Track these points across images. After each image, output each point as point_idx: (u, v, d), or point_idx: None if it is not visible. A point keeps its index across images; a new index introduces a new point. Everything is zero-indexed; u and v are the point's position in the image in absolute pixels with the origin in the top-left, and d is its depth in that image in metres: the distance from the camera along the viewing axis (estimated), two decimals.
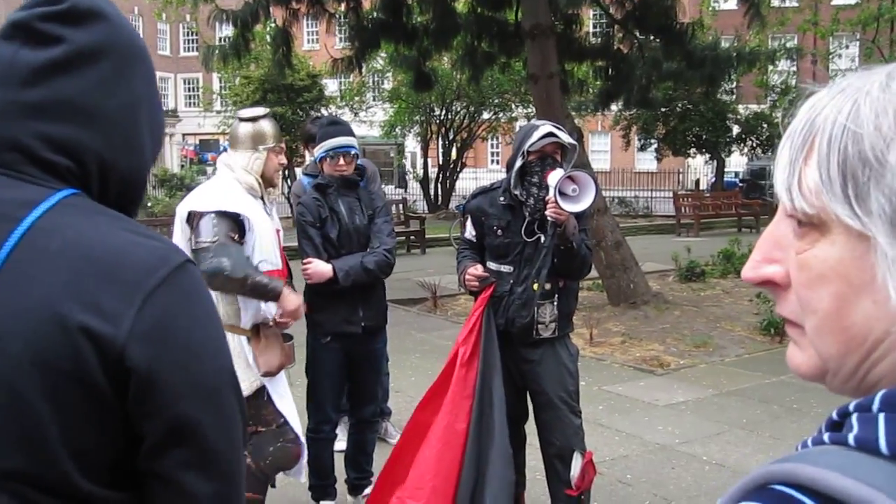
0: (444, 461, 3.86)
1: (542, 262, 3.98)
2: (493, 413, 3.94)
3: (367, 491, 4.61)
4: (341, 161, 4.36)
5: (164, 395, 1.09)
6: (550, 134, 3.95)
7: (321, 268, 4.23)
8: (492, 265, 4.16)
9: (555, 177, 3.81)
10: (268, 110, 4.10)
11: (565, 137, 4.00)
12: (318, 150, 4.40)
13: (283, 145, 4.01)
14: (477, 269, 4.09)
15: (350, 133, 4.46)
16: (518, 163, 3.99)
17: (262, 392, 3.81)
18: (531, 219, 4.01)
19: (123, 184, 1.22)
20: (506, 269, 4.10)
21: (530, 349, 4.10)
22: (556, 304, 4.06)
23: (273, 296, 3.70)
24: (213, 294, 3.61)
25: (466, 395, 3.95)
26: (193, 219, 3.68)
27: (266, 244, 3.87)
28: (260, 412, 3.81)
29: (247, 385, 3.73)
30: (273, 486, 4.05)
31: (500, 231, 4.11)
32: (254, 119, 3.94)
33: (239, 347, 3.78)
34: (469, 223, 4.32)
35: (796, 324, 0.76)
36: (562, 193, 3.75)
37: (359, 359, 4.49)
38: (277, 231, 4.05)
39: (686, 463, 5.52)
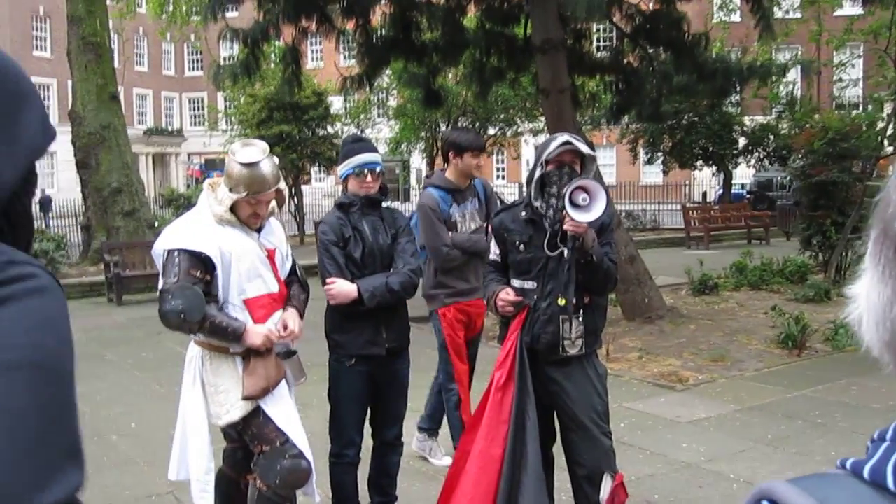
0: (481, 487, 3.80)
1: (568, 276, 3.92)
2: (527, 438, 3.87)
3: None
4: (368, 178, 4.30)
5: None
6: (567, 142, 3.93)
7: (345, 288, 4.16)
8: (515, 282, 4.10)
9: (567, 187, 3.77)
10: (265, 153, 3.90)
11: (583, 146, 3.96)
12: (344, 167, 4.33)
13: (261, 198, 3.87)
14: (509, 295, 4.03)
15: (375, 149, 4.42)
16: (537, 173, 3.96)
17: (258, 411, 3.85)
18: (552, 231, 3.95)
19: None
20: (529, 285, 4.05)
21: (557, 368, 4.03)
22: (581, 319, 3.99)
23: (234, 337, 3.77)
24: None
25: (503, 420, 3.89)
26: (163, 257, 3.82)
27: (250, 271, 3.88)
28: (262, 431, 3.85)
29: (240, 407, 3.81)
30: None
31: (522, 246, 4.06)
32: (244, 164, 3.83)
33: (233, 368, 3.86)
34: (493, 243, 4.26)
35: None
36: (573, 203, 3.71)
37: (383, 381, 4.41)
38: (272, 252, 4.00)
39: (714, 481, 5.43)
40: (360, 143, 4.44)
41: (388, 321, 4.36)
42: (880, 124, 15.03)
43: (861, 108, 23.40)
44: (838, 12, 25.74)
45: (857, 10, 18.45)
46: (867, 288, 0.72)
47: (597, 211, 3.74)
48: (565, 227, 3.81)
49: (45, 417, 0.92)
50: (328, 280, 4.21)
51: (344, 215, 4.30)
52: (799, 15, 24.86)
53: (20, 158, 1.11)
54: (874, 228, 0.72)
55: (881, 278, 0.70)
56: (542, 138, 25.83)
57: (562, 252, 3.94)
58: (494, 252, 4.24)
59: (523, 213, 4.08)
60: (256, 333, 3.80)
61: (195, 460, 3.87)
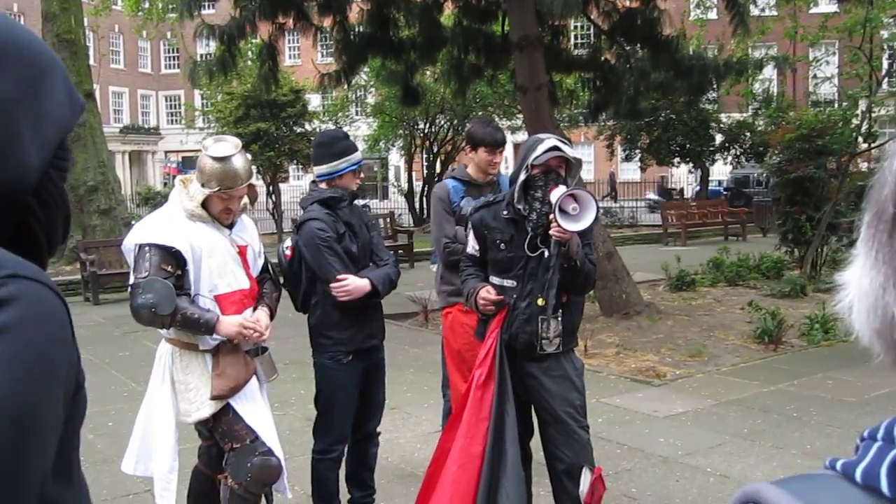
0: (461, 485, 3.80)
1: (550, 279, 3.93)
2: (507, 436, 3.88)
3: None
4: (362, 174, 4.44)
5: None
6: (555, 148, 3.90)
7: (360, 283, 4.17)
8: (494, 280, 4.10)
9: (556, 194, 3.77)
10: (237, 148, 3.92)
11: (570, 152, 3.96)
12: (343, 163, 4.30)
13: (233, 193, 3.89)
14: (490, 293, 4.03)
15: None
16: (522, 176, 3.94)
17: (227, 409, 3.85)
18: (534, 234, 3.95)
19: None
20: (508, 283, 4.04)
21: (535, 364, 4.04)
22: (560, 319, 4.00)
23: (206, 329, 3.76)
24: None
25: (483, 417, 3.89)
26: (134, 252, 3.80)
27: (221, 267, 3.89)
28: (232, 428, 3.85)
29: (210, 404, 3.82)
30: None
31: (503, 245, 4.06)
32: (216, 159, 3.85)
33: (203, 365, 3.86)
34: (472, 237, 4.26)
35: None
36: (562, 211, 3.71)
37: (371, 372, 4.44)
38: (243, 249, 4.00)
39: (690, 475, 5.47)
40: (351, 140, 4.48)
41: (374, 314, 4.42)
42: (855, 121, 15.14)
43: (837, 104, 23.57)
44: (813, 10, 25.92)
45: (833, 8, 18.61)
46: (859, 274, 0.69)
47: (586, 221, 3.75)
48: (551, 232, 3.81)
49: None
50: (339, 277, 4.15)
51: (332, 212, 4.28)
52: (775, 12, 25.00)
53: (48, 136, 1.09)
54: (868, 212, 0.68)
55: (874, 264, 0.67)
56: (520, 135, 25.81)
57: (542, 252, 3.95)
58: (473, 247, 4.24)
59: (505, 213, 4.07)
60: (230, 324, 3.79)
61: (159, 458, 3.85)
